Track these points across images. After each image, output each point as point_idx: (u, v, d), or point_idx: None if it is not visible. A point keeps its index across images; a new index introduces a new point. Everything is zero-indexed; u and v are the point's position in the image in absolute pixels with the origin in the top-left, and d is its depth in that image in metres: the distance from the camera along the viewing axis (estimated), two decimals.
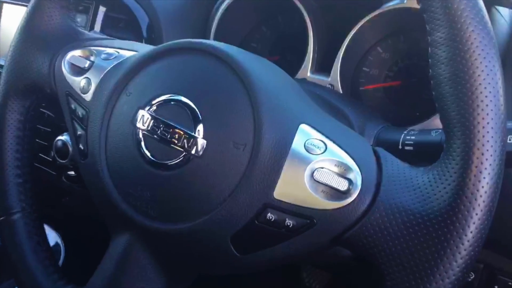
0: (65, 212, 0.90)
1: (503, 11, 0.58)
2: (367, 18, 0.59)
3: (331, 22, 0.66)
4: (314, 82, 0.62)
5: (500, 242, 0.52)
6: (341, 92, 0.60)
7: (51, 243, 0.69)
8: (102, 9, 0.67)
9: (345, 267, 0.68)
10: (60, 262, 0.78)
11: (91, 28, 0.67)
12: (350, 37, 0.60)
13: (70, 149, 0.69)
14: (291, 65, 0.65)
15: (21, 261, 0.46)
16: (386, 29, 0.62)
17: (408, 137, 0.46)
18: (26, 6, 0.73)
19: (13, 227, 0.48)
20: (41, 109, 0.60)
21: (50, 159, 0.71)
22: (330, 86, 0.61)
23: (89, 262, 0.56)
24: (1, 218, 0.48)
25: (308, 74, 0.63)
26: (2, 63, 0.76)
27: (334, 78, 0.60)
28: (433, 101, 0.34)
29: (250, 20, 0.71)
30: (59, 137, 0.70)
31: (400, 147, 0.47)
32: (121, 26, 0.68)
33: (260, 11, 0.70)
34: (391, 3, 0.58)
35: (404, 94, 0.62)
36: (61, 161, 0.70)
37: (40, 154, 0.72)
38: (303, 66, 0.63)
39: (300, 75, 0.63)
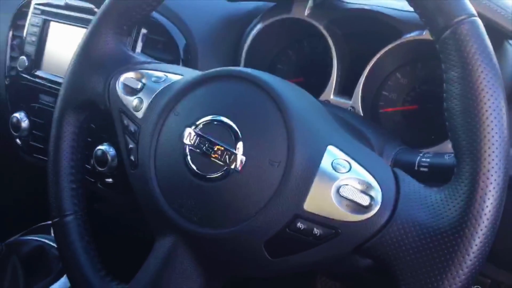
0: (97, 217, 0.96)
1: None
2: (388, 47, 0.64)
3: (354, 48, 0.71)
4: (336, 104, 0.67)
5: (505, 258, 0.56)
6: (361, 114, 0.65)
7: None
8: (143, 31, 0.73)
9: (361, 280, 0.72)
10: None
11: (133, 47, 0.73)
12: (371, 64, 0.65)
13: (109, 158, 0.75)
14: (314, 87, 0.70)
15: (73, 259, 0.52)
16: (405, 57, 0.66)
17: (423, 160, 0.51)
18: (71, 24, 0.80)
19: (67, 228, 0.53)
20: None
21: (90, 167, 0.78)
22: (351, 108, 0.65)
23: (118, 262, 0.62)
24: (56, 220, 0.54)
25: (331, 96, 0.68)
26: (49, 77, 0.83)
27: (355, 101, 0.65)
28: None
29: (278, 44, 0.76)
30: (99, 147, 0.76)
31: (416, 168, 0.51)
32: (159, 47, 0.73)
33: (287, 36, 0.75)
34: (410, 34, 0.63)
35: (421, 118, 0.66)
36: (100, 169, 0.76)
37: None
38: (326, 88, 0.68)
39: (323, 97, 0.68)
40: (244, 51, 0.74)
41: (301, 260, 0.41)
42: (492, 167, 0.36)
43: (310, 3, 0.69)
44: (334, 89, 0.68)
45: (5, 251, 0.76)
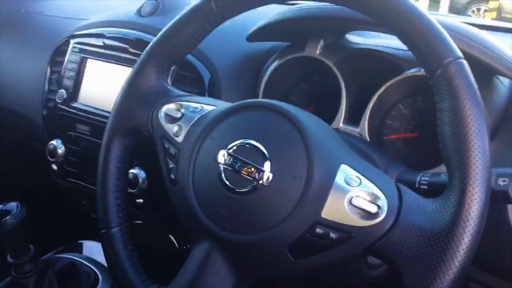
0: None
1: (504, 79, 0.71)
2: (391, 81, 0.72)
3: (361, 82, 0.78)
4: (345, 132, 0.75)
5: (498, 266, 0.63)
6: (368, 140, 0.73)
7: None
8: (173, 67, 0.82)
9: None
10: None
11: None
12: (376, 96, 0.73)
13: (140, 180, 0.83)
14: (325, 116, 0.78)
15: (119, 265, 0.59)
16: (406, 90, 0.74)
17: (423, 178, 0.59)
18: (107, 61, 0.90)
19: (113, 238, 0.61)
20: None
21: None
22: (359, 135, 0.74)
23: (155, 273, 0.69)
24: (103, 231, 0.62)
25: (341, 124, 0.75)
26: (85, 108, 0.92)
27: (362, 129, 0.73)
28: None
29: (292, 78, 0.85)
30: (131, 170, 0.84)
31: (416, 186, 0.59)
32: (187, 81, 0.82)
33: (300, 71, 0.84)
34: (410, 71, 0.71)
35: (421, 144, 0.73)
36: (132, 190, 0.84)
37: None
38: (336, 117, 0.76)
39: (333, 125, 0.76)
40: (262, 84, 0.82)
41: (320, 260, 0.49)
42: (477, 180, 0.44)
43: (321, 43, 0.78)
44: (344, 118, 0.76)
45: (43, 267, 0.83)
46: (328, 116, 0.77)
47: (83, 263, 0.91)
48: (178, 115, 0.59)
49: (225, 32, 0.84)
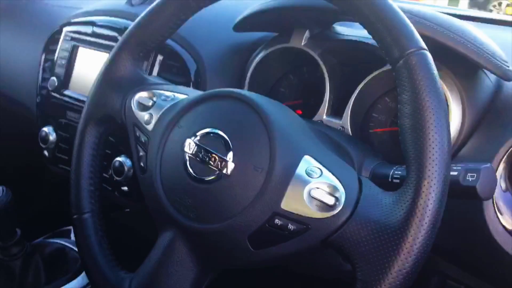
0: (111, 223, 1.04)
1: (491, 74, 0.69)
2: (374, 73, 0.71)
3: (346, 74, 0.78)
4: (328, 124, 0.74)
5: (472, 263, 0.62)
6: (350, 133, 0.72)
7: None
8: (159, 57, 0.82)
9: None
10: None
11: (150, 71, 0.83)
12: (359, 88, 0.72)
13: (125, 168, 0.84)
14: (312, 108, 0.78)
15: (88, 250, 0.60)
16: (392, 83, 0.73)
17: (396, 172, 0.58)
18: (97, 50, 0.90)
19: (84, 224, 0.62)
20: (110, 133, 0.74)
21: (108, 176, 0.86)
22: (341, 127, 0.73)
23: (130, 261, 0.69)
24: (75, 216, 0.63)
25: (324, 116, 0.75)
26: (76, 96, 0.93)
27: (345, 121, 0.72)
28: None
29: (279, 70, 0.84)
30: (117, 158, 0.84)
31: (389, 180, 0.58)
32: (173, 71, 0.82)
33: (287, 63, 0.83)
34: None
35: None
36: (117, 178, 0.85)
37: None
38: (320, 109, 0.76)
39: (317, 117, 0.75)
40: (248, 75, 0.82)
41: (279, 251, 0.49)
42: (433, 174, 0.43)
43: (307, 34, 0.78)
44: (327, 110, 0.75)
45: (30, 251, 0.85)
46: (313, 108, 0.77)
47: (72, 248, 0.93)
48: (150, 103, 0.59)
49: (212, 22, 0.84)
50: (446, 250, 0.62)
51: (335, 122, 0.74)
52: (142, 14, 0.62)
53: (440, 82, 0.63)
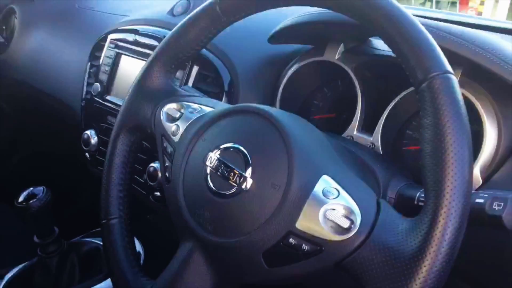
0: (148, 226, 1.07)
1: None
2: (407, 90, 0.69)
3: (380, 90, 0.77)
4: (358, 140, 0.73)
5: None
6: (380, 150, 0.71)
7: None
8: (195, 68, 0.84)
9: None
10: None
11: (186, 81, 0.85)
12: (392, 105, 0.70)
13: (159, 174, 0.86)
14: (344, 123, 0.77)
15: (113, 254, 0.62)
16: None
17: (422, 195, 0.56)
18: (138, 58, 0.93)
19: (111, 229, 0.64)
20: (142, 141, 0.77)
21: (143, 181, 0.89)
22: (371, 144, 0.72)
23: (160, 266, 0.71)
24: (103, 221, 0.65)
25: (355, 132, 0.74)
26: (116, 101, 0.96)
27: (376, 138, 0.71)
28: None
29: (314, 82, 0.84)
30: (152, 164, 0.87)
31: (415, 202, 0.57)
32: (208, 81, 0.84)
33: (322, 76, 0.83)
34: None
35: None
36: (151, 183, 0.87)
37: (135, 176, 0.89)
38: (351, 125, 0.75)
39: (347, 132, 0.74)
40: (281, 87, 0.82)
41: (292, 271, 0.48)
42: (451, 204, 0.41)
43: (341, 48, 0.77)
44: (358, 126, 0.74)
45: (67, 249, 0.88)
46: (346, 122, 0.76)
47: None
48: (177, 115, 0.61)
49: (247, 33, 0.85)
50: (470, 276, 0.60)
51: (365, 138, 0.72)
52: (175, 28, 0.64)
53: (476, 104, 0.62)
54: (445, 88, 0.44)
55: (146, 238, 1.02)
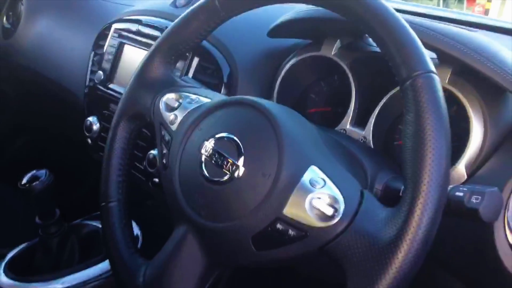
0: (147, 211, 1.11)
1: None
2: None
3: (374, 85, 0.79)
4: (351, 134, 0.76)
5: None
6: (371, 144, 0.73)
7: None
8: (196, 59, 0.87)
9: None
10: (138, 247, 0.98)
11: (187, 72, 0.87)
12: (384, 100, 0.73)
13: (158, 161, 0.89)
14: (339, 117, 0.79)
15: (111, 236, 0.65)
16: None
17: None
18: (140, 48, 0.96)
19: (110, 212, 0.67)
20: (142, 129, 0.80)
21: (142, 167, 0.92)
22: (363, 138, 0.74)
23: (158, 249, 0.74)
24: (102, 204, 0.68)
25: (348, 126, 0.76)
26: (118, 89, 0.99)
27: (367, 132, 0.74)
28: None
29: (309, 77, 0.86)
30: (151, 151, 0.90)
31: (400, 194, 0.60)
32: (208, 72, 0.86)
33: (319, 71, 0.85)
34: None
35: None
36: (150, 170, 0.90)
37: (135, 163, 0.92)
38: (344, 119, 0.77)
39: (341, 126, 0.77)
40: (279, 80, 0.84)
41: (279, 255, 0.51)
42: (427, 195, 0.44)
43: (337, 44, 0.79)
44: (351, 120, 0.76)
45: (67, 231, 0.92)
46: (340, 116, 0.78)
47: None
48: (176, 104, 0.63)
49: (247, 26, 0.87)
50: (453, 265, 0.63)
51: (358, 132, 0.75)
52: (176, 20, 0.67)
53: (464, 102, 0.65)
54: (427, 87, 0.46)
55: (145, 222, 1.05)
